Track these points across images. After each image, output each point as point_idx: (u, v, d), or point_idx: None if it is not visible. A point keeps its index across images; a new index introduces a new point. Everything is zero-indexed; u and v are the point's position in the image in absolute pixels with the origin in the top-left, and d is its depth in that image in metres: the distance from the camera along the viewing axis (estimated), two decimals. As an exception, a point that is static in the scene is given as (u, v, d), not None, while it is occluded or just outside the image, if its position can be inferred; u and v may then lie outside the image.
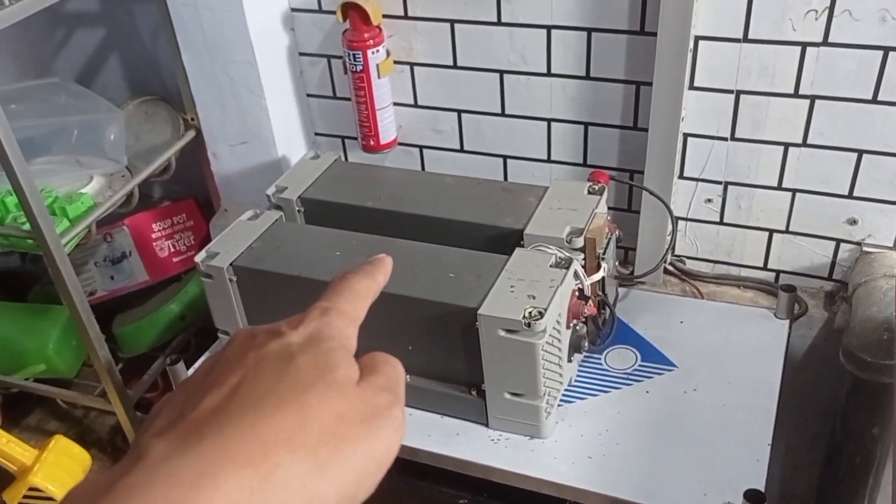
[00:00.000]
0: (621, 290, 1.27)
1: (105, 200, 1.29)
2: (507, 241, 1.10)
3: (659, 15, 1.10)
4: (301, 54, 1.39)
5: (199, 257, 1.11)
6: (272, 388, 0.31)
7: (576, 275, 1.04)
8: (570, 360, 1.06)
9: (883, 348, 1.13)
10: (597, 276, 1.08)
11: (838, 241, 1.25)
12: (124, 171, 1.36)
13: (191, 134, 1.41)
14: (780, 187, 1.23)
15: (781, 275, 1.31)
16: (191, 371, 1.19)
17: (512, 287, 0.99)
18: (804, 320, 1.27)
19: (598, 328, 1.13)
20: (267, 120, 1.34)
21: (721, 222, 1.30)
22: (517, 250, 1.06)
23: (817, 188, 1.21)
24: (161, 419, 0.31)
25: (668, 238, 1.27)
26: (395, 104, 1.37)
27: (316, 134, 1.48)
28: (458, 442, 1.05)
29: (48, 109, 1.33)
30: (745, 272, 1.34)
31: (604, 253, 1.09)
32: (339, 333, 0.35)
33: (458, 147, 1.39)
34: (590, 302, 1.08)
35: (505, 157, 1.37)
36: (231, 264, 1.10)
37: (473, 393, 1.04)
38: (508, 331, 0.95)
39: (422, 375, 1.08)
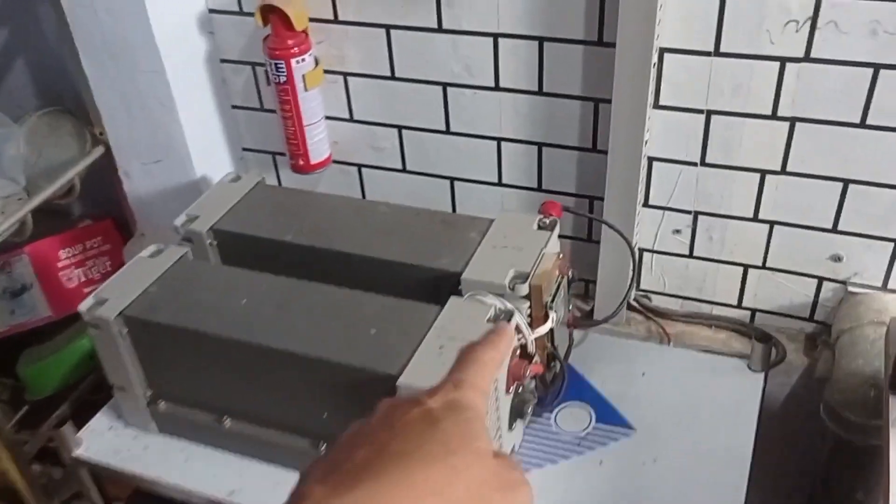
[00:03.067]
0: (580, 332, 1.13)
1: (-8, 229, 1.14)
2: (443, 286, 0.96)
3: (618, 23, 0.96)
4: (223, 61, 1.23)
5: (84, 305, 0.96)
6: (420, 446, 0.33)
7: (517, 329, 0.90)
8: (511, 429, 0.92)
9: (869, 406, 0.99)
10: (543, 329, 0.94)
11: (821, 280, 1.11)
12: (21, 194, 1.21)
13: (99, 150, 1.25)
14: (756, 219, 1.09)
15: (758, 314, 1.18)
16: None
17: (441, 347, 0.85)
18: (782, 367, 1.14)
19: (546, 386, 0.99)
20: (181, 135, 1.18)
21: (691, 255, 1.16)
22: (451, 300, 0.91)
23: (798, 220, 1.07)
24: (317, 471, 0.34)
25: (631, 274, 1.13)
26: (329, 118, 1.22)
27: (244, 149, 1.32)
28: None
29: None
30: (717, 310, 1.20)
31: (552, 301, 0.95)
32: (474, 405, 0.37)
33: (400, 167, 1.24)
34: (536, 359, 0.94)
35: (452, 179, 1.22)
36: (121, 314, 0.95)
37: (399, 466, 0.90)
38: (433, 403, 0.81)
39: (341, 443, 0.93)
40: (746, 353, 1.09)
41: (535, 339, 0.95)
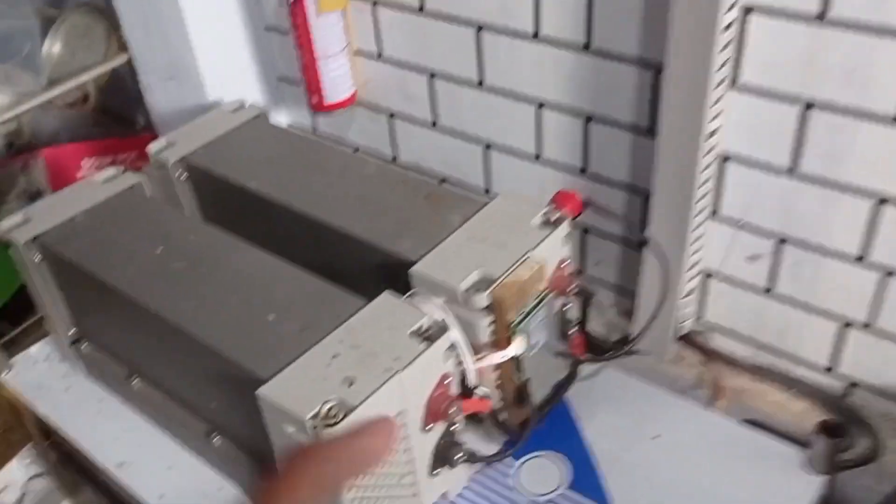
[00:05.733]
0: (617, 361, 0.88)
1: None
2: (395, 274, 0.75)
3: (680, -40, 0.68)
4: (256, -26, 1.07)
5: (8, 220, 0.85)
6: None
7: (453, 350, 0.67)
8: (432, 474, 0.71)
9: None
10: (498, 357, 0.70)
11: (949, 363, 0.78)
12: (39, 93, 1.13)
13: (122, 58, 1.14)
14: (862, 261, 0.77)
15: (857, 389, 0.86)
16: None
17: (335, 356, 0.65)
18: (873, 468, 0.82)
19: (503, 429, 0.76)
20: (191, 55, 1.04)
21: (770, 292, 0.86)
22: (382, 297, 0.70)
23: (923, 275, 0.75)
24: None
25: (660, 295, 0.86)
26: (360, 53, 1.03)
27: (279, 79, 1.16)
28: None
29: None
30: (802, 371, 0.89)
31: (523, 320, 0.71)
32: None
33: (430, 120, 1.02)
34: (483, 393, 0.71)
35: (487, 145, 0.99)
36: (35, 239, 0.83)
37: (282, 489, 0.72)
38: (297, 428, 0.61)
39: (233, 442, 0.76)
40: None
41: (492, 368, 0.72)
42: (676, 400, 0.84)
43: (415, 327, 0.66)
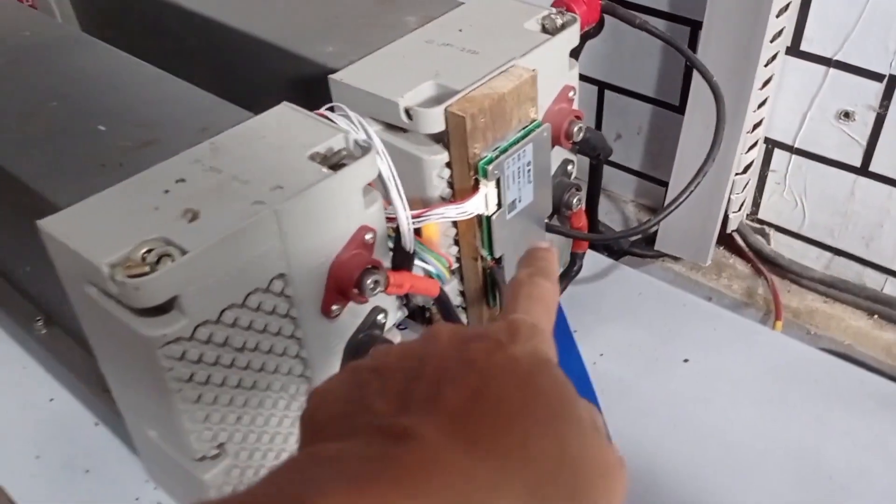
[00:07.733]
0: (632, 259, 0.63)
1: None
2: (318, 92, 0.50)
3: None
4: None
5: None
6: (526, 403, 0.25)
7: (378, 190, 0.42)
8: (341, 386, 0.46)
9: None
10: (454, 212, 0.45)
11: None
12: None
13: None
14: None
15: (974, 313, 0.60)
16: None
17: (180, 181, 0.40)
18: None
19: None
20: None
21: (864, 170, 0.60)
22: (275, 109, 0.45)
23: None
24: (385, 399, 0.25)
25: (724, 186, 0.60)
26: None
27: None
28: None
29: None
30: (894, 285, 0.64)
31: (493, 158, 0.46)
32: (556, 359, 0.28)
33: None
34: (429, 267, 0.46)
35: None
36: None
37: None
38: (97, 287, 0.37)
39: (65, 328, 0.52)
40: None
41: (443, 234, 0.47)
42: (717, 314, 0.59)
43: (318, 148, 0.41)
